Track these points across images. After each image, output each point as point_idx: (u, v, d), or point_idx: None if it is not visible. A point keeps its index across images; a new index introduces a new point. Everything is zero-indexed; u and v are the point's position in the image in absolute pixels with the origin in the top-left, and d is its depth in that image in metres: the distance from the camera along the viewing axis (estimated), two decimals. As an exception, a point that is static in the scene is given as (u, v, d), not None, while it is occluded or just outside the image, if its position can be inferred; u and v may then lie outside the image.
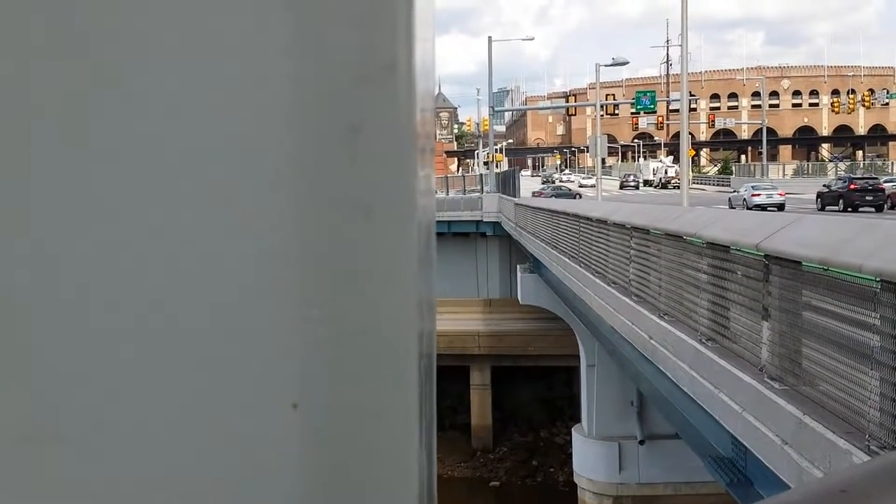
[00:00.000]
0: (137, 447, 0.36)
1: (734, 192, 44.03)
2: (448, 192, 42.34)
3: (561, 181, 78.48)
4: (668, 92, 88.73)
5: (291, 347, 0.37)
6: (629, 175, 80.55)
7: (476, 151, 68.64)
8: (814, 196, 37.60)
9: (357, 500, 0.38)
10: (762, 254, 6.61)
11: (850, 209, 33.14)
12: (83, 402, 0.35)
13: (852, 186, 34.82)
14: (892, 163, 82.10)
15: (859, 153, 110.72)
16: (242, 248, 0.36)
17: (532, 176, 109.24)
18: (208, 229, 0.36)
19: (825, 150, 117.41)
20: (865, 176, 40.74)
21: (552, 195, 47.91)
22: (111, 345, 0.35)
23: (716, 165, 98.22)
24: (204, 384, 0.36)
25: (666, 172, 74.02)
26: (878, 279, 4.96)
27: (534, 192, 55.53)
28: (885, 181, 39.74)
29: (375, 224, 0.37)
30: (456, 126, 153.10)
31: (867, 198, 33.77)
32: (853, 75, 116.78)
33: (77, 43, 0.35)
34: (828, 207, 34.68)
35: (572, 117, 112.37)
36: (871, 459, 4.38)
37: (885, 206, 33.20)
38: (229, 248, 0.36)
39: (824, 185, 38.13)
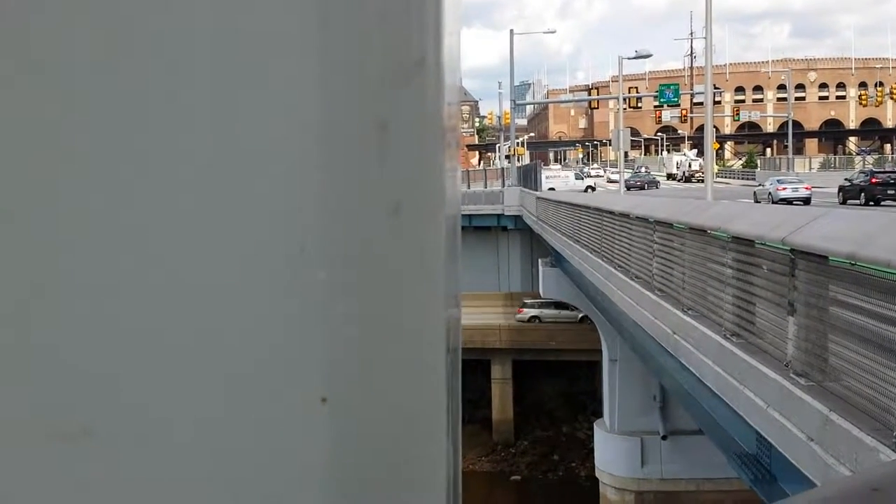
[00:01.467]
0: (166, 442, 0.36)
1: (759, 185, 43.64)
2: (469, 185, 42.31)
3: (589, 175, 76.88)
4: (691, 85, 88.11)
5: (321, 342, 0.37)
6: (640, 167, 79.48)
7: (497, 145, 68.59)
8: (840, 190, 37.25)
9: (385, 495, 0.38)
10: (788, 248, 6.52)
11: (871, 203, 32.86)
12: (112, 398, 0.36)
13: (874, 180, 34.52)
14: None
15: (887, 146, 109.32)
16: (271, 244, 0.36)
17: (563, 169, 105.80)
18: (237, 226, 0.36)
19: (852, 143, 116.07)
20: (888, 170, 40.40)
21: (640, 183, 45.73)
22: (140, 341, 0.36)
23: (740, 159, 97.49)
24: (233, 378, 0.36)
25: (690, 166, 73.49)
26: (907, 274, 4.87)
27: (628, 183, 51.57)
28: None
29: (404, 220, 0.37)
30: (477, 119, 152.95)
31: (889, 191, 33.47)
32: (881, 67, 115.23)
33: (107, 43, 0.34)
34: (849, 201, 34.40)
35: (594, 110, 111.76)
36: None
37: None
38: (259, 243, 0.36)
39: (846, 179, 37.75)
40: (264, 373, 0.36)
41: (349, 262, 0.37)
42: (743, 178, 69.81)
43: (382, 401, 0.37)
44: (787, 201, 34.21)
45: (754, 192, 40.83)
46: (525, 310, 32.09)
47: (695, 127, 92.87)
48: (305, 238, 0.36)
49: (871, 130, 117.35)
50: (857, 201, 33.81)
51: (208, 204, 0.36)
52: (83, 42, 0.34)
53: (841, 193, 36.11)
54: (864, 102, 79.98)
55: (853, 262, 5.60)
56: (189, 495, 0.36)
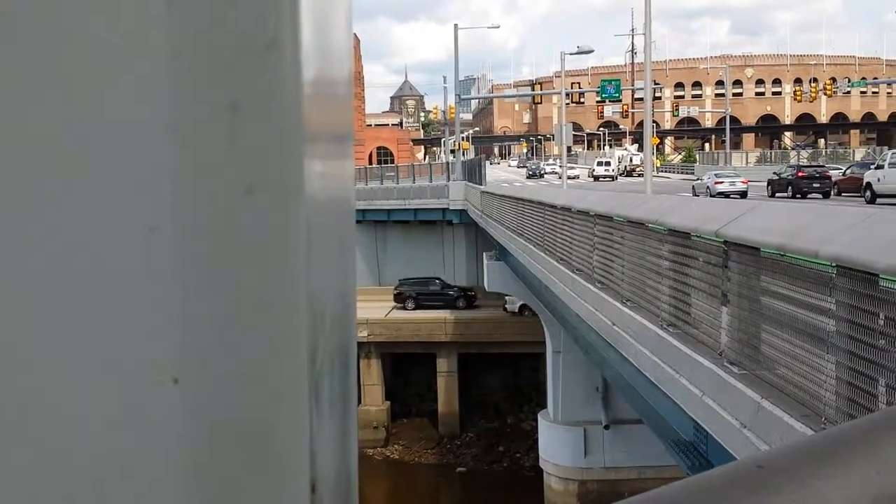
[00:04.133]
0: (10, 424, 0.35)
1: (698, 179, 44.47)
2: (415, 179, 42.26)
3: (546, 172, 71.68)
4: (632, 80, 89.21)
5: (171, 323, 0.36)
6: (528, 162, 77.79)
7: (443, 139, 68.51)
8: (776, 184, 38.28)
9: (241, 475, 0.38)
10: (721, 240, 6.68)
11: (798, 195, 34.16)
12: None
13: (800, 174, 35.96)
14: (854, 150, 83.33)
15: (821, 141, 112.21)
16: (119, 224, 0.36)
17: (519, 167, 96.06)
18: (85, 206, 0.35)
19: (788, 138, 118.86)
20: (813, 164, 42.06)
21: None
22: None
23: (680, 154, 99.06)
24: (82, 358, 0.36)
25: (631, 160, 74.23)
26: (833, 265, 5.03)
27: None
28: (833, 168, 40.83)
29: (257, 201, 0.37)
30: (422, 114, 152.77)
31: (814, 185, 34.93)
32: (815, 64, 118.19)
33: None
34: (777, 194, 35.66)
35: (538, 105, 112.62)
36: (795, 439, 4.47)
37: (832, 193, 34.11)
38: (108, 224, 0.36)
39: (774, 173, 39.04)
40: (114, 353, 0.36)
41: (201, 242, 0.37)
42: (682, 173, 70.97)
43: (236, 381, 0.37)
44: (725, 195, 34.99)
45: (693, 186, 41.59)
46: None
47: (636, 122, 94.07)
48: (156, 217, 0.36)
49: (806, 126, 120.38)
50: (785, 194, 35.01)
51: (55, 184, 0.35)
52: None
53: (770, 187, 37.23)
54: (798, 98, 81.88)
55: (783, 253, 5.77)
56: (37, 478, 0.36)
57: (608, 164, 64.91)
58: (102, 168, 0.35)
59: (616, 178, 62.59)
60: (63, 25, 0.35)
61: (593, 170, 65.79)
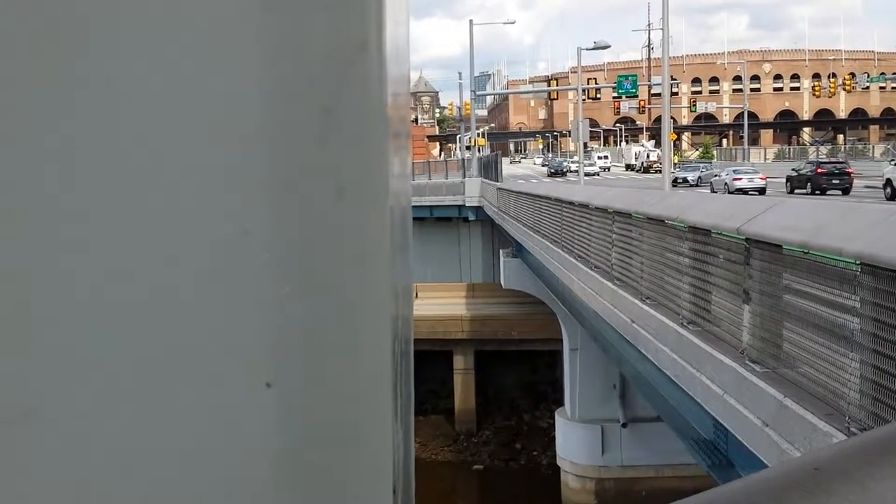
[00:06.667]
0: (108, 428, 0.36)
1: (716, 176, 44.26)
2: (430, 176, 42.25)
3: (570, 170, 65.81)
4: (649, 76, 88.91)
5: (264, 326, 0.37)
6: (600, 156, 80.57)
7: (458, 136, 68.40)
8: (795, 180, 38.02)
9: (333, 480, 0.38)
10: (743, 237, 6.63)
11: (817, 192, 33.84)
12: (57, 381, 0.35)
13: (820, 170, 35.64)
14: (873, 146, 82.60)
15: (840, 137, 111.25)
16: (214, 227, 0.36)
17: (544, 164, 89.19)
18: (180, 209, 0.36)
19: (806, 133, 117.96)
20: (832, 160, 41.68)
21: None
22: (82, 324, 0.35)
23: (697, 150, 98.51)
24: (177, 363, 0.36)
25: (648, 157, 74.02)
26: (857, 262, 4.98)
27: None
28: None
29: (348, 204, 0.38)
30: (437, 110, 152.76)
31: (834, 181, 34.59)
32: (834, 59, 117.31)
33: (36, 24, 0.34)
34: (797, 191, 35.38)
35: (554, 101, 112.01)
36: (847, 439, 4.41)
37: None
38: (201, 227, 0.36)
39: (793, 169, 38.77)
40: (208, 357, 0.36)
41: (294, 246, 0.37)
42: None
43: (328, 385, 0.38)
44: (743, 191, 34.82)
45: (711, 183, 41.39)
46: None
47: (653, 118, 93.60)
48: (247, 221, 0.36)
49: (825, 121, 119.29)
50: (804, 190, 34.73)
51: (151, 186, 0.36)
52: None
53: (789, 183, 36.98)
54: (817, 94, 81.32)
55: (806, 251, 5.71)
56: (134, 482, 0.36)
57: (600, 158, 79.43)
58: (196, 171, 0.36)
59: (599, 173, 70.23)
60: (160, 30, 0.35)
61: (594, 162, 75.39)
